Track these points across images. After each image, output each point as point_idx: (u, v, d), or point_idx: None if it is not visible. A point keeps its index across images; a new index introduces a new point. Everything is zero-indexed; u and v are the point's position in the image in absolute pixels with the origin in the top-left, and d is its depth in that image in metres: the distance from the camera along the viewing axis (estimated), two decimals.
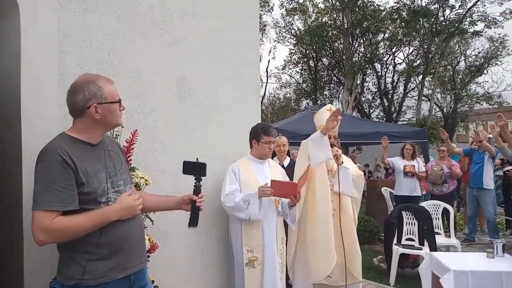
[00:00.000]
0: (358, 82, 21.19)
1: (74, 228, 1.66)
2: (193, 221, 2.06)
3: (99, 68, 2.47)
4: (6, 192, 2.37)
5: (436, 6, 19.14)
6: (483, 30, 19.47)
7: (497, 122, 5.08)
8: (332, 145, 3.59)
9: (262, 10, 20.06)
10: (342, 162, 3.61)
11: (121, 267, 1.78)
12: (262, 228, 3.10)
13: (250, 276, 3.07)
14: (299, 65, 24.07)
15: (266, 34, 22.39)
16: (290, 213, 3.16)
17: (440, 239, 5.35)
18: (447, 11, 19.52)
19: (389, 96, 22.88)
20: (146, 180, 2.40)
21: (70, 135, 1.77)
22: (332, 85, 23.97)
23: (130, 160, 2.36)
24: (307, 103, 23.35)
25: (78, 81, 1.81)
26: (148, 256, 2.18)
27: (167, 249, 2.77)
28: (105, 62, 2.56)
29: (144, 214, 2.27)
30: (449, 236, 5.62)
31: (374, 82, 23.29)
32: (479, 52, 21.96)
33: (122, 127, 2.19)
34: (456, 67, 22.94)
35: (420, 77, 20.56)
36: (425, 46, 19.80)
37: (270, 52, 32.03)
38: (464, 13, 18.83)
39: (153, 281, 2.24)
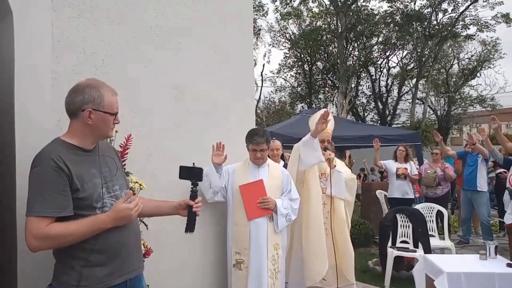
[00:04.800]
0: (353, 85, 21.32)
1: (68, 235, 1.65)
2: (190, 227, 2.05)
3: (93, 74, 2.47)
4: None
5: (429, 10, 19.35)
6: (476, 33, 19.73)
7: (491, 124, 5.13)
8: (325, 149, 3.62)
9: (256, 15, 20.14)
10: (335, 166, 3.64)
11: (118, 273, 1.78)
12: (249, 231, 3.11)
13: (236, 278, 3.10)
14: (294, 69, 24.17)
15: (261, 38, 22.47)
16: (273, 219, 3.18)
17: (435, 242, 5.37)
18: (440, 15, 19.77)
19: (383, 100, 23.02)
20: (140, 185, 2.40)
21: (64, 140, 1.77)
22: (327, 88, 24.08)
23: (125, 165, 2.36)
24: (302, 106, 23.46)
25: (83, 83, 1.81)
26: (143, 261, 2.17)
27: (162, 254, 2.77)
28: (99, 67, 2.57)
29: (138, 219, 2.27)
30: (443, 239, 5.65)
31: (369, 86, 23.45)
32: (472, 56, 22.22)
33: (117, 131, 2.19)
34: (450, 70, 23.15)
35: (414, 80, 20.75)
36: (419, 50, 19.99)
37: (265, 56, 32.14)
38: (456, 17, 19.05)
39: (148, 286, 2.23)
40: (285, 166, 4.46)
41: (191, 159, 2.26)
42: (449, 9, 19.28)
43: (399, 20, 19.39)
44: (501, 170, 7.31)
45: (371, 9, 20.32)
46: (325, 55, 22.67)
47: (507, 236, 5.44)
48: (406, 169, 6.54)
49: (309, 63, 23.39)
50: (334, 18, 20.29)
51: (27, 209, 1.64)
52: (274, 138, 5.44)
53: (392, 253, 4.87)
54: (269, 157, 4.73)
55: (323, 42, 21.55)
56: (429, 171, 7.00)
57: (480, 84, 22.74)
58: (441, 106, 23.76)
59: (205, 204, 3.05)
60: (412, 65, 21.64)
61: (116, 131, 2.14)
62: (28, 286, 2.12)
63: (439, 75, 22.78)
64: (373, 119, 23.63)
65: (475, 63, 21.91)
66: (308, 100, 23.25)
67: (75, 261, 1.70)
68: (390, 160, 6.77)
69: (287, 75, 24.43)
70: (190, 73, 3.08)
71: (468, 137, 6.73)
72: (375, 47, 21.67)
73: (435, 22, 19.72)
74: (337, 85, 21.22)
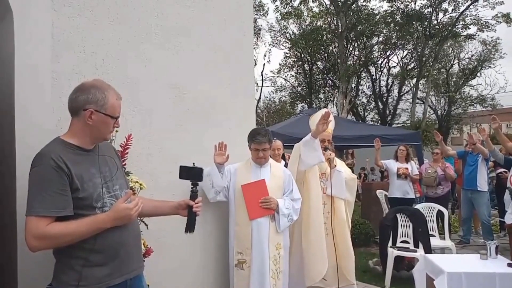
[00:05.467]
0: (353, 85, 21.32)
1: (68, 234, 1.65)
2: (189, 227, 2.06)
3: (93, 73, 2.47)
4: None
5: (429, 10, 19.34)
6: (476, 33, 19.73)
7: (491, 124, 5.12)
8: (326, 149, 3.62)
9: (256, 14, 20.14)
10: (335, 166, 3.63)
11: (118, 273, 1.78)
12: (251, 231, 3.11)
13: (238, 278, 3.10)
14: (294, 68, 24.17)
15: (261, 38, 22.49)
16: (275, 219, 3.18)
17: (435, 241, 5.37)
18: (440, 15, 19.78)
19: (384, 99, 23.02)
20: (140, 185, 2.40)
21: (64, 140, 1.77)
22: (327, 88, 24.08)
23: (125, 164, 2.36)
24: (302, 106, 23.48)
25: (88, 83, 1.82)
26: (143, 261, 2.17)
27: (163, 254, 2.76)
28: (100, 67, 2.56)
29: (138, 218, 2.27)
30: (444, 238, 5.64)
31: (369, 86, 23.45)
32: (472, 55, 22.23)
33: (117, 131, 2.19)
34: (450, 70, 23.15)
35: (414, 80, 20.74)
36: (419, 50, 19.99)
37: (265, 55, 32.18)
38: (457, 16, 19.04)
39: (148, 286, 2.23)
40: (286, 165, 4.46)
41: (191, 159, 2.26)
42: (450, 9, 19.31)
43: (399, 20, 19.39)
44: (502, 170, 7.31)
45: (371, 9, 20.35)
46: (326, 55, 22.67)
47: (508, 235, 5.44)
48: (407, 169, 6.53)
49: (310, 62, 23.39)
50: (335, 18, 20.29)
51: (27, 208, 1.64)
52: (275, 138, 5.45)
53: (392, 253, 4.86)
54: (270, 157, 4.74)
55: (323, 42, 21.55)
56: (429, 171, 6.99)
57: (481, 84, 22.73)
58: (442, 106, 23.78)
59: (207, 203, 3.05)
60: (412, 65, 21.65)
61: (117, 131, 2.13)
62: (28, 286, 2.12)
63: (439, 75, 22.78)
64: (374, 119, 23.63)
65: (476, 63, 21.92)
66: (308, 99, 23.25)
67: (75, 261, 1.70)
68: (391, 160, 6.76)
69: (288, 74, 24.47)
70: (190, 73, 3.08)
71: (468, 137, 6.73)
72: (376, 47, 21.68)
73: (435, 22, 19.71)
74: (337, 84, 21.22)
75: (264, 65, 26.82)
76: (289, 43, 22.44)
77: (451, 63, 23.05)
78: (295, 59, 23.73)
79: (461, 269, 3.05)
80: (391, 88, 23.08)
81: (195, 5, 3.11)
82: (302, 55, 23.06)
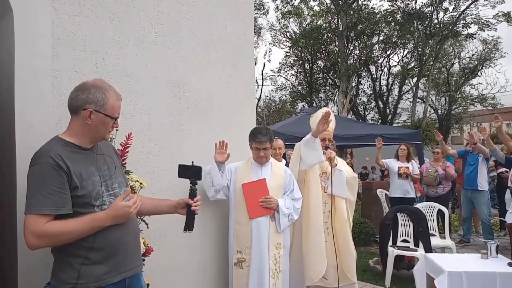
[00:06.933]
0: (353, 84, 21.30)
1: (67, 232, 1.65)
2: (188, 225, 2.05)
3: (94, 72, 2.47)
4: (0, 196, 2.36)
5: (430, 9, 19.33)
6: (477, 32, 19.71)
7: (493, 123, 5.11)
8: (326, 148, 3.61)
9: (257, 13, 20.11)
10: (336, 165, 3.63)
11: (116, 271, 1.78)
12: (251, 230, 3.10)
13: (237, 277, 3.11)
14: (295, 67, 24.17)
15: (262, 37, 22.46)
16: (276, 219, 3.17)
17: (435, 241, 5.37)
18: (441, 14, 19.74)
19: (384, 99, 23.01)
20: (141, 183, 2.39)
21: (63, 138, 1.77)
22: (328, 87, 24.08)
23: (125, 163, 2.36)
24: (303, 105, 23.47)
25: (89, 83, 1.82)
26: (143, 260, 2.17)
27: (163, 253, 2.77)
28: (100, 65, 2.56)
29: (139, 217, 2.27)
30: (444, 238, 5.64)
31: (369, 85, 23.44)
32: (473, 55, 22.22)
33: (117, 130, 2.18)
34: (451, 69, 23.13)
35: (415, 79, 20.72)
36: (420, 49, 19.97)
37: (265, 55, 32.19)
38: (457, 15, 19.02)
39: (148, 285, 2.23)
40: (287, 165, 4.45)
41: (191, 158, 2.26)
42: (450, 8, 19.28)
43: (400, 19, 19.38)
44: (503, 169, 7.31)
45: (372, 7, 20.35)
46: (326, 54, 22.66)
47: (508, 235, 5.44)
48: (407, 168, 6.52)
49: (310, 62, 23.38)
50: (335, 17, 20.26)
51: (25, 206, 1.64)
52: (276, 137, 5.44)
53: (392, 252, 4.86)
54: (271, 156, 4.73)
55: (324, 40, 21.55)
56: (430, 170, 6.99)
57: (481, 83, 22.65)
58: (442, 105, 23.75)
59: (207, 202, 3.06)
60: (413, 64, 21.64)
61: (117, 130, 2.13)
62: (28, 284, 2.12)
63: (440, 74, 22.77)
64: (374, 118, 23.62)
65: (476, 62, 21.90)
66: (308, 99, 23.25)
67: (74, 259, 1.70)
68: (391, 159, 6.76)
69: (288, 74, 24.47)
70: (191, 71, 3.07)
71: (469, 136, 6.73)
72: (376, 46, 21.67)
73: (436, 21, 19.69)
74: (337, 84, 21.21)
75: (264, 64, 26.76)
76: (290, 42, 22.43)
77: (452, 62, 23.04)
78: (296, 58, 23.73)
79: (461, 269, 3.05)
80: (392, 87, 23.09)
81: (195, 4, 3.11)
82: (303, 54, 23.05)
